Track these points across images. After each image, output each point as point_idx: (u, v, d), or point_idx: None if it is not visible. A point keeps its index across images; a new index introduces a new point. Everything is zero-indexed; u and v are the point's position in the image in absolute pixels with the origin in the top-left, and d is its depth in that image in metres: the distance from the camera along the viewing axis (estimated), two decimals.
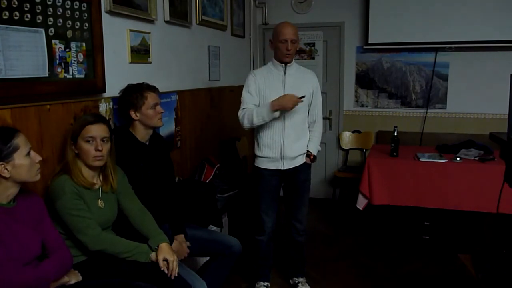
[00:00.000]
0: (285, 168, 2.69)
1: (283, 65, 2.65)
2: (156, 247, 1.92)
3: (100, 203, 1.95)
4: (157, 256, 1.88)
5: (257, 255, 2.88)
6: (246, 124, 2.60)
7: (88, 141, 1.86)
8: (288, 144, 2.65)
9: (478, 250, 2.23)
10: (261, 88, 2.63)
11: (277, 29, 2.61)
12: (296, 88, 2.62)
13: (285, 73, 2.65)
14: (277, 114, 2.52)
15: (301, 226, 2.83)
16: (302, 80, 2.68)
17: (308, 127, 2.77)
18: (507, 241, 2.41)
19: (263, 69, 2.73)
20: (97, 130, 1.88)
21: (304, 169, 2.75)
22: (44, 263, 1.63)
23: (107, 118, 2.33)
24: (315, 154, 2.77)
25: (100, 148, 1.87)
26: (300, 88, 2.64)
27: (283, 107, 2.49)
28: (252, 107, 2.61)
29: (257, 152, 2.73)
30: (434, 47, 4.37)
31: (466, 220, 3.83)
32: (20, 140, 1.54)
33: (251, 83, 2.64)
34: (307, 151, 2.74)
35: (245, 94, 2.65)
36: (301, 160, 2.73)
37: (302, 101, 2.52)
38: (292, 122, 2.64)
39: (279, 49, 2.58)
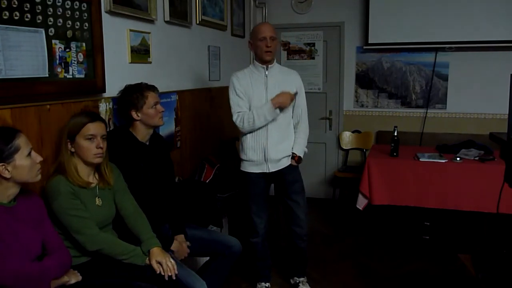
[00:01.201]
0: (270, 171, 2.66)
1: (264, 66, 2.62)
2: (148, 252, 1.93)
3: (97, 201, 1.95)
4: (150, 261, 1.89)
5: (255, 257, 2.87)
6: (246, 127, 2.57)
7: (89, 139, 1.87)
8: (271, 146, 2.61)
9: (478, 250, 2.23)
10: (246, 90, 2.59)
11: (255, 29, 2.62)
12: (278, 90, 2.58)
13: (266, 75, 2.62)
14: (278, 111, 2.53)
15: (301, 230, 2.79)
16: (284, 81, 2.63)
17: (294, 129, 2.73)
18: (507, 241, 2.41)
19: (245, 72, 2.68)
20: (97, 128, 1.90)
21: (290, 171, 2.71)
22: (45, 260, 1.63)
23: (107, 118, 2.33)
24: (301, 156, 2.72)
25: (101, 145, 1.90)
26: (283, 89, 2.58)
27: (282, 104, 2.52)
28: (246, 110, 2.58)
29: (242, 156, 2.70)
30: (434, 47, 4.36)
31: (466, 220, 3.83)
32: (21, 141, 1.54)
33: (237, 86, 2.59)
34: (292, 152, 2.70)
35: (234, 98, 2.60)
36: (287, 162, 2.69)
37: (295, 96, 2.59)
38: (275, 124, 2.61)
39: (259, 48, 2.55)
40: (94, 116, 1.94)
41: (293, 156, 2.71)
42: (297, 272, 2.97)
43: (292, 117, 2.72)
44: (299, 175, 2.78)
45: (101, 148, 1.89)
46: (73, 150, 1.88)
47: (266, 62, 2.60)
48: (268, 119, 2.54)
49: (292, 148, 2.71)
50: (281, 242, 3.25)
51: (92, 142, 1.88)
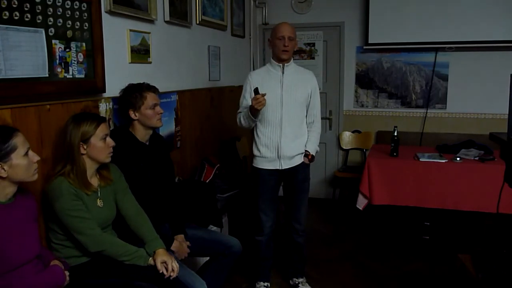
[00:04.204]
0: (283, 168, 2.69)
1: (281, 65, 2.65)
2: (153, 253, 1.93)
3: (99, 202, 1.95)
4: (154, 260, 1.89)
5: (257, 256, 2.88)
6: (239, 125, 2.71)
7: (104, 139, 1.91)
8: (285, 144, 2.65)
9: (478, 250, 2.23)
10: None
11: (275, 28, 2.65)
12: (294, 88, 2.64)
13: (282, 73, 2.65)
14: (258, 116, 2.57)
15: (300, 226, 2.83)
16: (300, 80, 2.68)
17: (307, 127, 2.77)
18: (507, 241, 2.41)
19: (261, 70, 2.76)
20: (107, 128, 1.95)
21: (302, 169, 2.74)
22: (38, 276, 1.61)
23: (107, 118, 2.33)
24: (314, 154, 2.76)
25: (112, 144, 1.94)
26: (298, 88, 2.65)
27: (254, 109, 2.47)
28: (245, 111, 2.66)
29: (255, 152, 2.74)
30: (434, 47, 4.37)
31: (466, 220, 3.83)
32: (18, 140, 1.54)
33: (247, 87, 2.68)
34: (305, 150, 2.73)
35: (241, 98, 2.72)
36: (299, 159, 2.73)
37: (263, 97, 2.41)
38: (289, 122, 2.64)
39: (276, 46, 2.60)
40: (99, 117, 1.99)
41: (306, 154, 2.73)
42: (296, 273, 2.97)
43: (307, 116, 2.76)
44: (309, 174, 2.81)
45: (112, 147, 1.94)
46: (85, 152, 1.89)
47: (282, 61, 2.64)
48: (250, 124, 2.63)
49: (306, 146, 2.74)
50: (281, 242, 3.25)
51: (105, 142, 1.92)
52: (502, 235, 3.10)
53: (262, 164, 2.71)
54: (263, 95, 2.42)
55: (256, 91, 2.42)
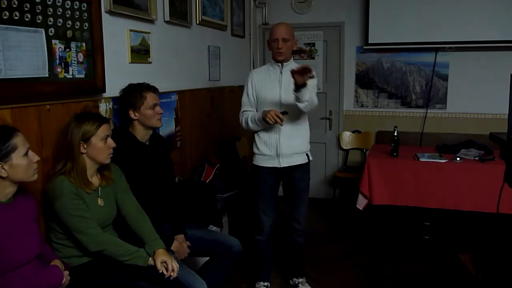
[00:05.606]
0: (281, 166, 2.69)
1: (279, 64, 2.67)
2: (153, 253, 1.93)
3: (100, 201, 1.95)
4: (154, 261, 1.89)
5: (257, 255, 2.88)
6: (244, 126, 2.71)
7: (104, 140, 1.91)
8: (284, 142, 2.65)
9: (478, 250, 2.23)
10: (257, 87, 2.68)
11: (271, 30, 2.67)
12: (292, 87, 2.62)
13: (281, 72, 2.66)
14: (268, 124, 2.53)
15: (299, 226, 2.82)
16: None
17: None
18: (507, 241, 2.41)
19: (262, 68, 2.79)
20: (109, 129, 1.95)
21: (301, 168, 2.75)
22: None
23: (107, 118, 2.33)
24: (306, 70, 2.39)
25: (113, 145, 1.94)
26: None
27: (265, 120, 2.49)
28: (250, 110, 2.69)
29: (255, 150, 2.76)
30: (434, 47, 4.37)
31: (466, 220, 3.83)
32: (18, 140, 1.54)
33: (249, 85, 2.71)
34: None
35: (243, 97, 2.74)
36: (299, 159, 2.73)
37: (283, 118, 2.45)
38: (288, 120, 2.63)
39: (272, 48, 2.64)
40: (102, 117, 1.98)
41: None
42: (296, 273, 2.97)
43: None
44: (308, 173, 2.81)
45: (112, 148, 1.94)
46: (85, 151, 1.89)
47: (280, 61, 2.66)
48: (260, 126, 2.62)
49: None
50: (280, 242, 3.25)
51: (105, 142, 1.91)
52: (502, 235, 3.09)
53: (261, 162, 2.72)
54: (283, 115, 2.45)
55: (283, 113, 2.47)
